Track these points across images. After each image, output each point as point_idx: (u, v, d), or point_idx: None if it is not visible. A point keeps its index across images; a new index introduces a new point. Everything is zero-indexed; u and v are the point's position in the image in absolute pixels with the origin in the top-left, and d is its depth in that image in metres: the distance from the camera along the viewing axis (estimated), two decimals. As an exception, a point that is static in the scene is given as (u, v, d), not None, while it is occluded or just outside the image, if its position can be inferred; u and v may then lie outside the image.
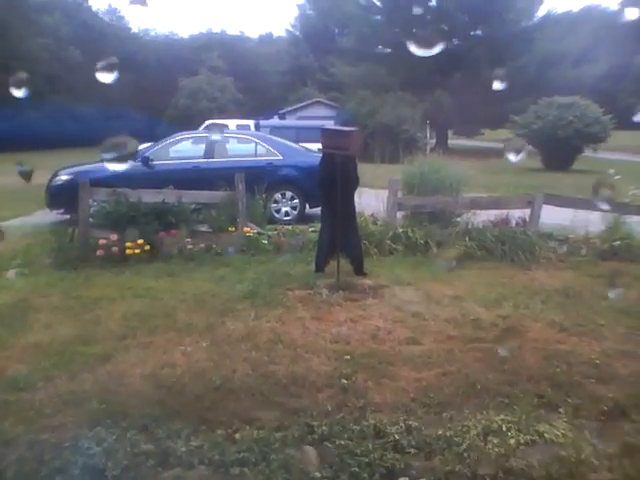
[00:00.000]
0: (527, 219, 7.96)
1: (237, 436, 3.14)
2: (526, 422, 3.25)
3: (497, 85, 2.66)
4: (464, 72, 34.89)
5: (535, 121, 24.05)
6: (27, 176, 2.33)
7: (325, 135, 6.07)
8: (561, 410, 3.43)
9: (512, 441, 3.07)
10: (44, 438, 3.11)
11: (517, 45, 33.60)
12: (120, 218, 7.32)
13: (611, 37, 38.04)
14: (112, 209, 7.46)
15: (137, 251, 6.99)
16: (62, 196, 9.18)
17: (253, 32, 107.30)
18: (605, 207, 6.33)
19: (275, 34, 67.22)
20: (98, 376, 3.88)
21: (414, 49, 2.23)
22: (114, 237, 7.07)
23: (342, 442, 3.05)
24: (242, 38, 61.59)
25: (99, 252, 6.96)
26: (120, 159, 2.18)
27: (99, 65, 2.21)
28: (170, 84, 41.50)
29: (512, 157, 2.65)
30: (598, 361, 4.13)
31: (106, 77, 2.24)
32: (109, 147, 2.15)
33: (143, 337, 4.57)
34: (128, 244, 6.98)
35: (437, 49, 2.24)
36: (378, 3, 38.51)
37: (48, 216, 9.86)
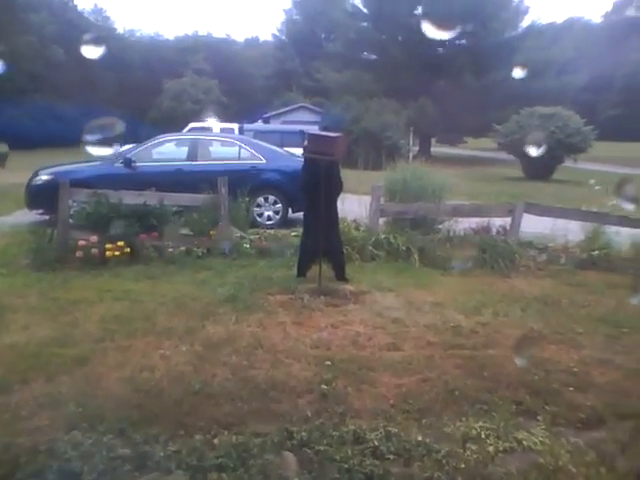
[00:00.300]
0: (508, 227, 8.03)
1: (216, 441, 3.12)
2: (505, 429, 3.27)
3: (518, 73, 2.75)
4: (448, 80, 35.18)
5: (517, 130, 24.29)
6: (1, 159, 2.27)
7: (310, 140, 6.08)
8: (539, 417, 3.46)
9: (491, 448, 3.09)
10: (19, 442, 3.06)
11: (501, 55, 33.94)
12: (100, 219, 7.25)
13: (594, 49, 38.67)
14: (92, 210, 7.38)
15: (117, 253, 6.92)
16: (42, 196, 9.07)
17: (239, 35, 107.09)
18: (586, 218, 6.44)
19: (261, 38, 67.34)
20: (75, 379, 3.83)
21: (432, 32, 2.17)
22: (94, 239, 7.00)
23: (321, 448, 3.05)
24: (228, 41, 61.48)
25: (78, 253, 6.88)
26: (104, 142, 2.11)
27: (84, 38, 2.14)
28: (154, 85, 41.29)
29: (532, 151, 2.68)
30: (576, 369, 4.17)
31: (91, 52, 2.17)
32: (95, 128, 2.09)
33: (121, 340, 4.52)
34: (108, 246, 6.91)
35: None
36: (364, 10, 38.73)
37: (27, 216, 9.73)
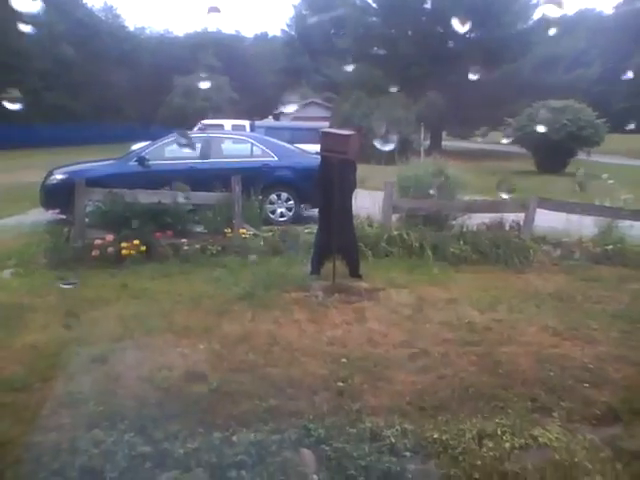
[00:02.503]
0: (521, 222, 8.01)
1: (234, 438, 3.15)
2: (520, 426, 3.28)
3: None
4: (459, 74, 34.94)
5: (529, 124, 24.14)
6: None
7: (324, 138, 6.08)
8: (555, 414, 3.47)
9: (507, 445, 3.10)
10: (41, 440, 3.12)
11: (512, 48, 33.74)
12: (116, 218, 7.32)
13: (605, 40, 38.27)
14: (108, 209, 7.46)
15: (133, 252, 6.99)
16: (57, 195, 9.16)
17: (248, 31, 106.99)
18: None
19: (270, 34, 67.28)
20: (95, 377, 3.88)
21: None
22: (110, 237, 7.07)
23: (339, 445, 3.07)
24: (238, 37, 61.52)
25: (94, 252, 6.95)
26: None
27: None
28: (164, 83, 41.42)
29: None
30: (591, 365, 4.17)
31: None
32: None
33: (140, 338, 4.58)
34: (124, 245, 6.98)
35: None
36: (374, 4, 38.59)
37: (43, 215, 9.84)
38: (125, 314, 5.12)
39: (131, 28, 54.41)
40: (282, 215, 10.29)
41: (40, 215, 9.98)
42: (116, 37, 45.11)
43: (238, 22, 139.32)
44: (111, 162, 10.21)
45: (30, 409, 3.44)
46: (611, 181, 8.45)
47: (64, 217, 8.76)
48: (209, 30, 59.09)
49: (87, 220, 7.61)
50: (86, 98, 36.04)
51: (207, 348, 4.39)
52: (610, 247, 7.57)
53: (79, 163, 10.60)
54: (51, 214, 9.69)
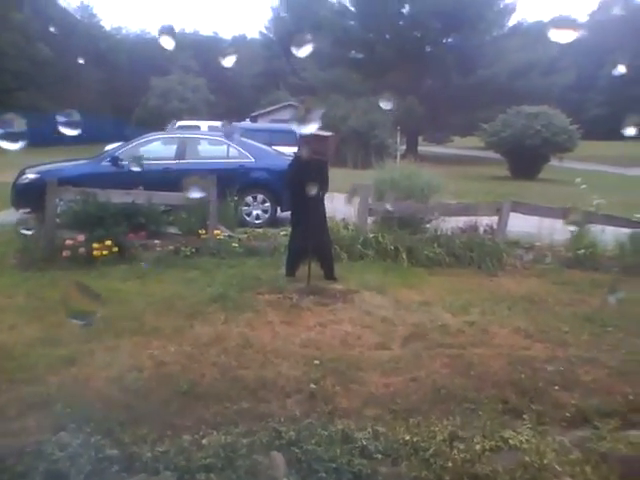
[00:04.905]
0: (495, 226, 8.08)
1: (204, 441, 3.11)
2: (491, 428, 3.30)
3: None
4: (435, 79, 35.32)
5: (503, 129, 24.45)
6: None
7: (304, 140, 6.08)
8: (525, 416, 3.49)
9: (477, 447, 3.10)
10: (6, 443, 3.05)
11: (487, 54, 34.16)
12: (88, 218, 7.21)
13: (580, 48, 38.91)
14: (80, 209, 7.35)
15: (105, 252, 6.88)
16: (28, 195, 8.98)
17: (226, 33, 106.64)
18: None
19: (249, 36, 67.18)
20: (63, 379, 3.81)
21: None
22: (81, 238, 6.96)
23: (310, 447, 3.05)
24: (215, 39, 61.31)
25: (65, 253, 6.84)
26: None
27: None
28: (141, 84, 41.05)
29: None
30: (562, 368, 4.21)
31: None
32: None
33: (109, 340, 4.50)
34: (95, 245, 6.87)
35: None
36: (352, 8, 38.80)
37: (13, 215, 9.64)
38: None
39: (107, 28, 53.95)
40: (258, 217, 10.23)
41: (10, 215, 9.78)
42: (92, 37, 44.57)
43: (216, 24, 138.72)
44: (84, 162, 10.07)
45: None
46: (583, 186, 8.56)
47: (35, 217, 8.59)
48: (186, 31, 58.92)
49: (58, 220, 7.48)
50: (61, 98, 35.49)
51: (178, 350, 4.33)
52: (582, 252, 7.66)
53: (51, 163, 10.43)
54: (22, 214, 9.51)
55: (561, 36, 2.55)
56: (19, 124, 2.19)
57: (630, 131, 3.17)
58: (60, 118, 2.79)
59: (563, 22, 2.47)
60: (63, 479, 2.79)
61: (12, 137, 2.17)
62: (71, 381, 3.80)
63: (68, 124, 2.81)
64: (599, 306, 5.70)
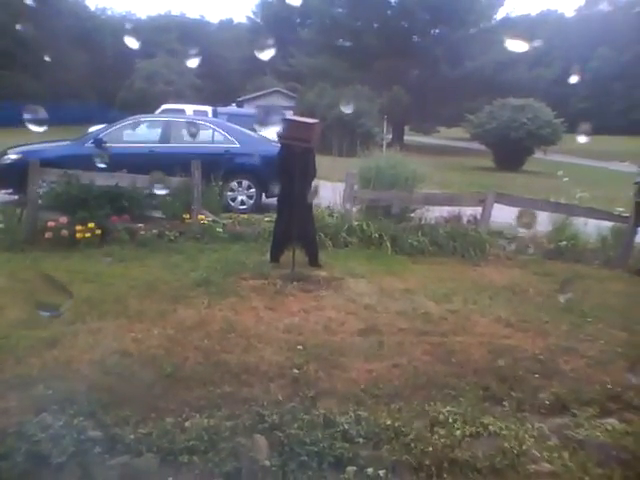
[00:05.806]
0: (478, 217, 8.14)
1: (187, 424, 3.12)
2: (471, 414, 3.34)
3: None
4: (422, 69, 35.32)
5: (489, 121, 24.57)
6: None
7: (286, 126, 6.03)
8: (505, 403, 3.55)
9: (458, 432, 3.15)
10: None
11: (474, 45, 34.18)
12: (70, 200, 7.14)
13: (566, 42, 39.13)
14: (62, 191, 7.27)
15: (87, 235, 6.84)
16: (10, 176, 8.89)
17: (213, 17, 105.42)
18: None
19: (236, 20, 66.57)
20: (45, 361, 3.79)
21: None
22: (63, 220, 6.90)
23: (292, 431, 3.07)
24: (202, 22, 60.64)
25: (47, 234, 6.78)
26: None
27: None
28: (126, 66, 40.45)
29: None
30: (542, 356, 4.27)
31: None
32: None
33: (92, 323, 4.48)
34: (78, 227, 6.83)
35: None
36: (340, -4, 38.58)
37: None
38: (77, 298, 4.99)
39: (92, 8, 53.06)
40: (243, 203, 10.19)
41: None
42: (77, 16, 43.80)
43: (203, 7, 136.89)
44: (67, 143, 9.95)
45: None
46: (566, 179, 8.66)
47: (17, 198, 8.50)
48: (173, 13, 58.18)
49: (41, 202, 7.39)
50: (45, 78, 34.90)
51: (161, 333, 4.33)
52: (564, 243, 7.77)
53: (34, 143, 10.29)
54: (3, 194, 9.40)
55: (514, 45, 3.03)
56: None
57: (582, 139, 3.26)
58: (26, 115, 2.77)
59: (517, 33, 2.95)
60: (45, 460, 2.79)
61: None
62: (53, 363, 3.78)
63: (34, 121, 2.80)
64: (579, 297, 5.77)
